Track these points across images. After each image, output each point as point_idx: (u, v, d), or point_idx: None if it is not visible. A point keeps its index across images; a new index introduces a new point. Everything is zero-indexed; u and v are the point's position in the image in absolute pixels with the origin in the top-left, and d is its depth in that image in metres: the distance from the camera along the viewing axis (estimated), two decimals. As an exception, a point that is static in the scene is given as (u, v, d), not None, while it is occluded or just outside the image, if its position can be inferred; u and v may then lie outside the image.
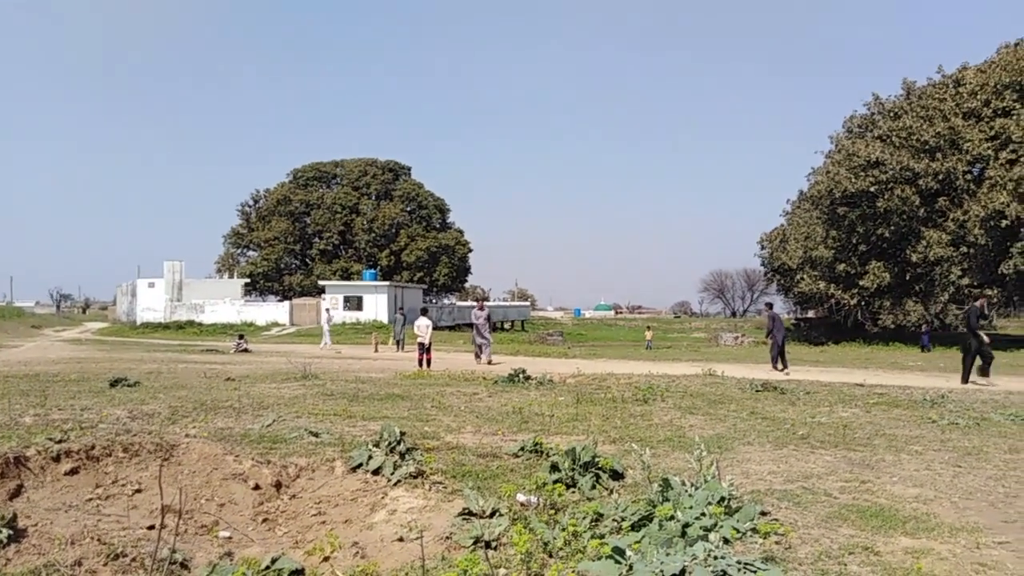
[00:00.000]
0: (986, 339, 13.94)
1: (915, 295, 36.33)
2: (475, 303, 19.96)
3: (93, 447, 5.35)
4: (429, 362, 17.01)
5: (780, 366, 17.99)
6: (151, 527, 4.42)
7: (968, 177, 33.21)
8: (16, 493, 4.68)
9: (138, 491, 5.02)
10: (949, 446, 6.37)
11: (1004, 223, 30.67)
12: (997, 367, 15.04)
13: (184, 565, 3.92)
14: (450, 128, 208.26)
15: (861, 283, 36.27)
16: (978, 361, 14.00)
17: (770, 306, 20.41)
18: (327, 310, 33.73)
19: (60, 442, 5.32)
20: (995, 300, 35.34)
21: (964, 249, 32.62)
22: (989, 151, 32.11)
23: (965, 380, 13.78)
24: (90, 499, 4.83)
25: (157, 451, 5.46)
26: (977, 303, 14.98)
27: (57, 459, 5.11)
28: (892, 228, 34.57)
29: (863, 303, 38.54)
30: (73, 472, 5.08)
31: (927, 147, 32.97)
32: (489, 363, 18.16)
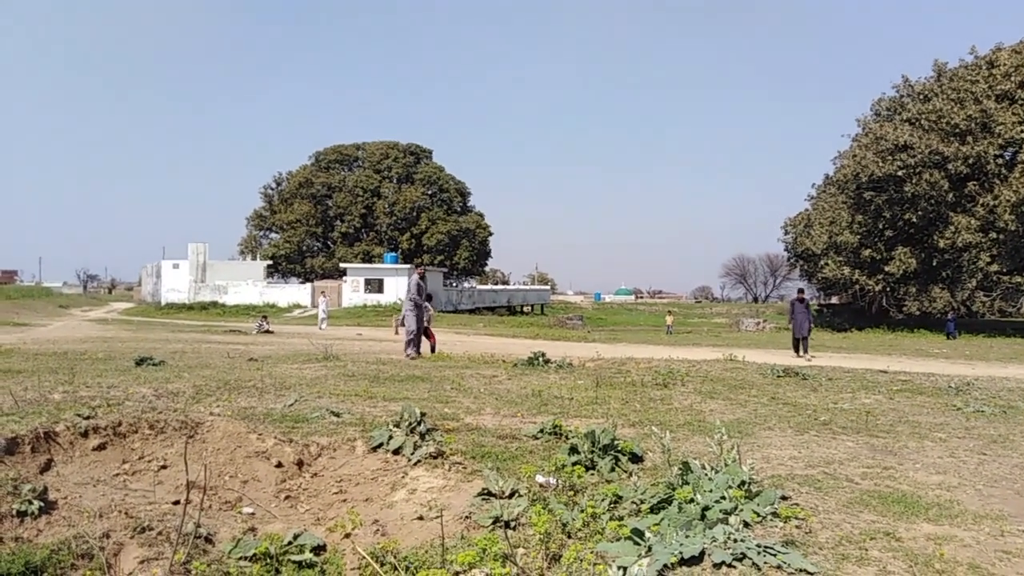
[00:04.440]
0: None
1: (942, 281, 35.72)
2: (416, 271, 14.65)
3: (120, 424, 5.45)
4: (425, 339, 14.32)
5: (801, 351, 17.88)
6: (176, 502, 4.51)
7: (999, 161, 32.47)
8: (46, 467, 4.78)
9: (164, 467, 5.11)
10: (974, 434, 6.28)
11: (1036, 209, 29.98)
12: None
13: (208, 539, 4.00)
14: (472, 111, 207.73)
15: (886, 269, 35.72)
16: None
17: (800, 290, 20.21)
18: (322, 292, 35.86)
19: (88, 418, 5.43)
20: (1025, 287, 34.66)
21: (993, 235, 31.97)
22: (1022, 134, 31.33)
23: None
24: (117, 474, 4.93)
25: (182, 428, 5.55)
26: None
27: (85, 435, 5.22)
28: (919, 213, 33.94)
29: (888, 289, 37.98)
30: (101, 448, 5.18)
31: (957, 130, 32.24)
32: (415, 356, 13.17)
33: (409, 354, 13.17)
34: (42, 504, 3.96)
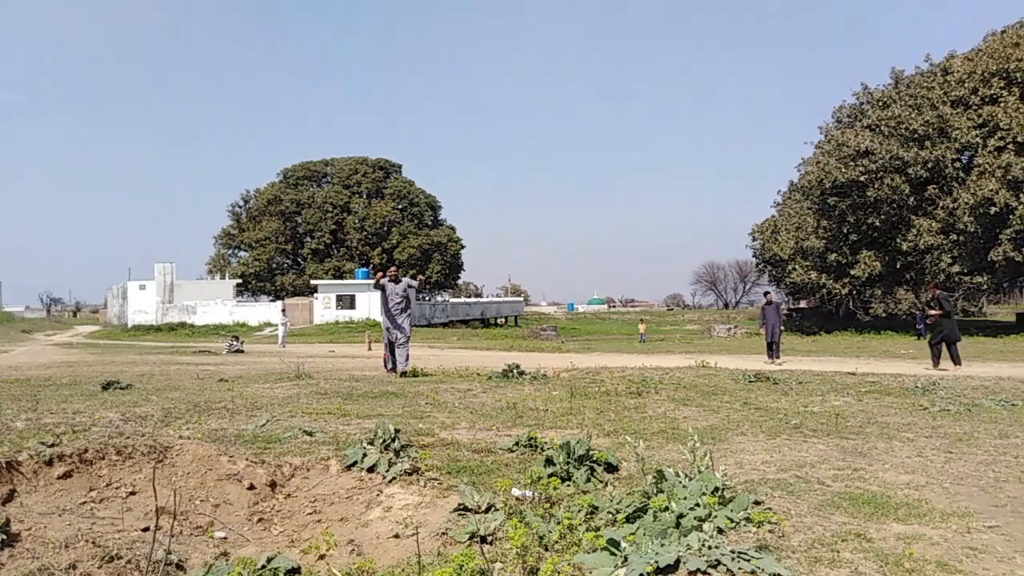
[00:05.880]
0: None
1: (906, 283, 36.57)
2: (389, 275, 12.98)
3: (86, 450, 5.33)
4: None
5: (770, 356, 18.11)
6: (146, 529, 4.41)
7: (957, 165, 33.39)
8: (9, 498, 4.65)
9: (132, 493, 5.00)
10: (940, 432, 6.41)
11: (993, 210, 30.86)
12: (989, 353, 15.16)
13: (180, 566, 3.92)
14: (440, 125, 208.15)
15: (852, 272, 36.47)
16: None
17: (766, 293, 20.50)
18: (283, 311, 35.80)
19: (53, 446, 5.29)
20: (985, 287, 35.57)
21: (954, 237, 32.82)
22: (977, 139, 32.28)
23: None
24: (84, 502, 4.81)
25: (151, 453, 5.44)
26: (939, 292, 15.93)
27: (50, 463, 5.08)
28: (882, 217, 34.75)
29: (854, 292, 38.78)
30: (66, 476, 5.05)
31: (916, 136, 33.12)
32: (404, 373, 12.27)
33: (397, 369, 12.40)
34: (4, 537, 3.85)
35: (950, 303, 15.46)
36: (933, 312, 15.28)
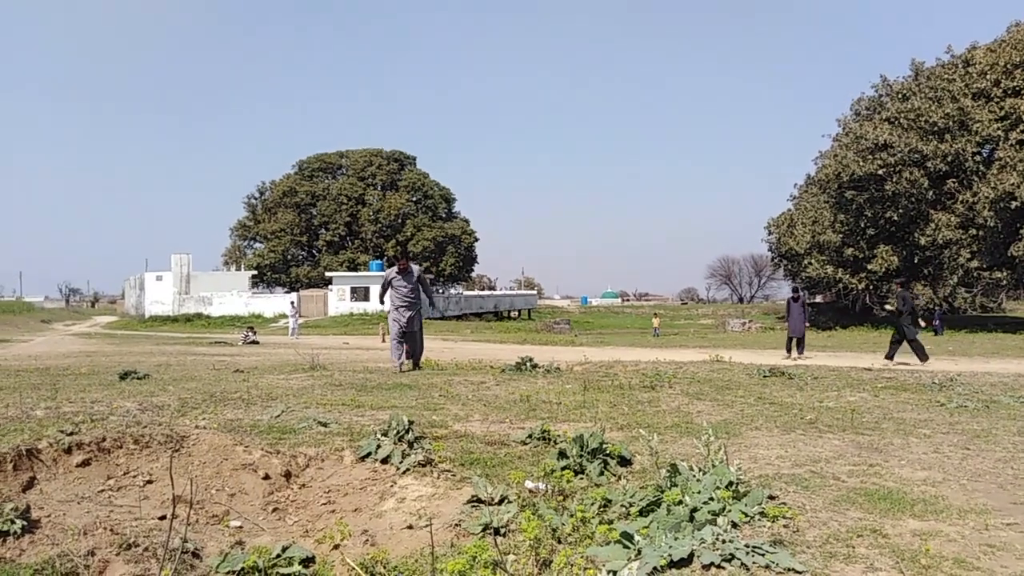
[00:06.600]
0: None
1: (924, 279, 36.14)
2: (397, 264, 12.00)
3: (104, 439, 5.39)
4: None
5: (793, 352, 17.99)
6: (162, 517, 4.46)
7: (977, 159, 32.90)
8: (29, 485, 4.72)
9: (149, 482, 5.05)
10: (957, 429, 6.35)
11: (1014, 205, 30.39)
12: (1008, 350, 15.02)
13: (196, 554, 3.96)
14: (454, 117, 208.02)
15: (869, 267, 36.09)
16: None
17: (794, 289, 20.23)
18: (292, 303, 36.24)
19: (71, 434, 5.36)
20: (1005, 283, 35.10)
21: (973, 232, 32.36)
22: (999, 132, 31.78)
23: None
24: (102, 490, 4.87)
25: (167, 442, 5.49)
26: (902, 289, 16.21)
27: (69, 451, 5.15)
28: (900, 211, 34.32)
29: (871, 287, 38.39)
30: (85, 464, 5.12)
31: (936, 129, 32.64)
32: (413, 366, 11.82)
33: (400, 362, 11.77)
34: (25, 523, 3.91)
35: (902, 302, 15.62)
36: (888, 308, 15.52)
